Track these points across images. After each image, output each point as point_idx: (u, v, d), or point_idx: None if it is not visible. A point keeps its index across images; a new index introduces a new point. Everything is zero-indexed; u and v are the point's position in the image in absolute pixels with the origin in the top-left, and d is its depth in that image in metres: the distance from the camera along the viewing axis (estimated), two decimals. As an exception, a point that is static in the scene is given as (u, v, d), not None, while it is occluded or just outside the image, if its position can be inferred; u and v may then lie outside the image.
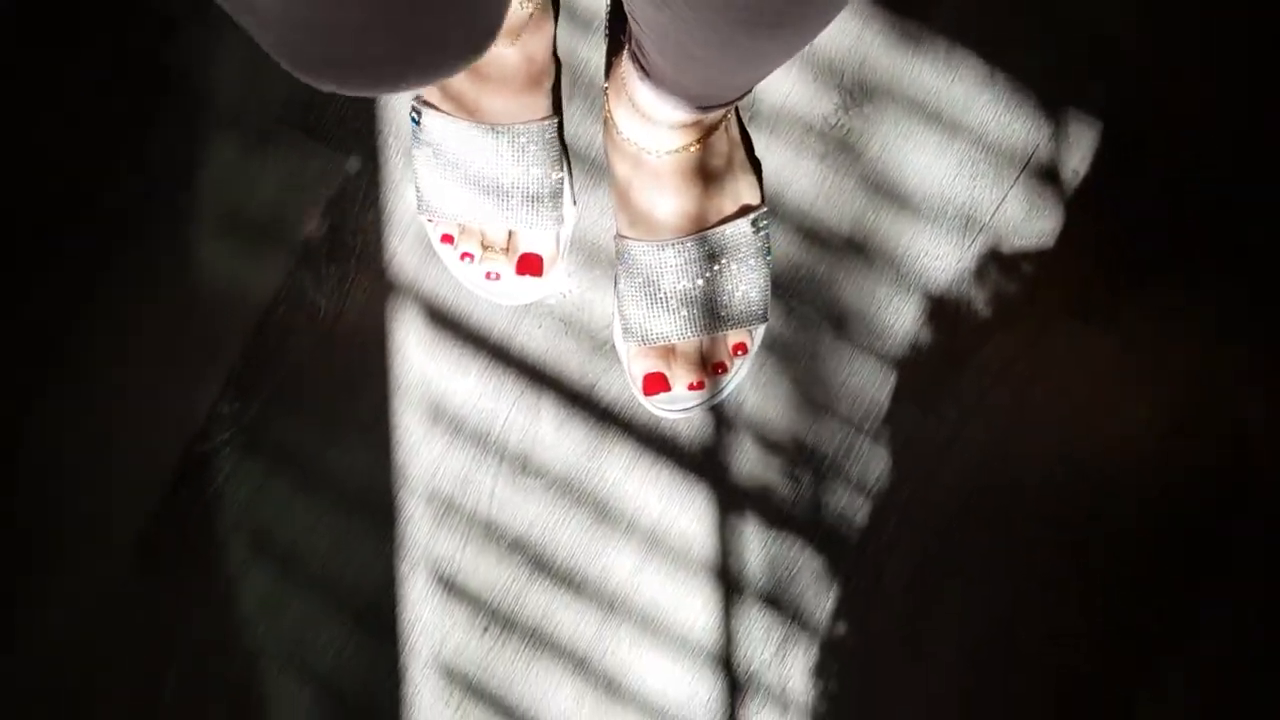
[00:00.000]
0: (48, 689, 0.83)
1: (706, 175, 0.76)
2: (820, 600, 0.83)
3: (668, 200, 0.76)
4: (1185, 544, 0.82)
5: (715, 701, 0.82)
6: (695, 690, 0.82)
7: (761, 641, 0.83)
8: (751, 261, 0.78)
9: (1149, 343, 0.83)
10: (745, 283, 0.78)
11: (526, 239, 0.80)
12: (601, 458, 0.83)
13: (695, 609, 0.83)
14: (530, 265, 0.79)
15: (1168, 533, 0.82)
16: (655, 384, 0.79)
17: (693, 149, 0.75)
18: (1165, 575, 0.82)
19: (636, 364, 0.80)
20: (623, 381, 0.83)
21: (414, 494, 0.84)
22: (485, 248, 0.79)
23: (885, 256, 0.83)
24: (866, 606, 0.82)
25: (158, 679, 0.83)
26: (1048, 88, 0.84)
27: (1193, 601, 0.81)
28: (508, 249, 0.80)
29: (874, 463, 0.83)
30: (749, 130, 0.83)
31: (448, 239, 0.80)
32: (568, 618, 0.82)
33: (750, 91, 0.71)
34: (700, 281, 0.77)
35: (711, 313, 0.78)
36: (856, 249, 0.83)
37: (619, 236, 0.79)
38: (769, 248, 0.80)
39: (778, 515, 0.83)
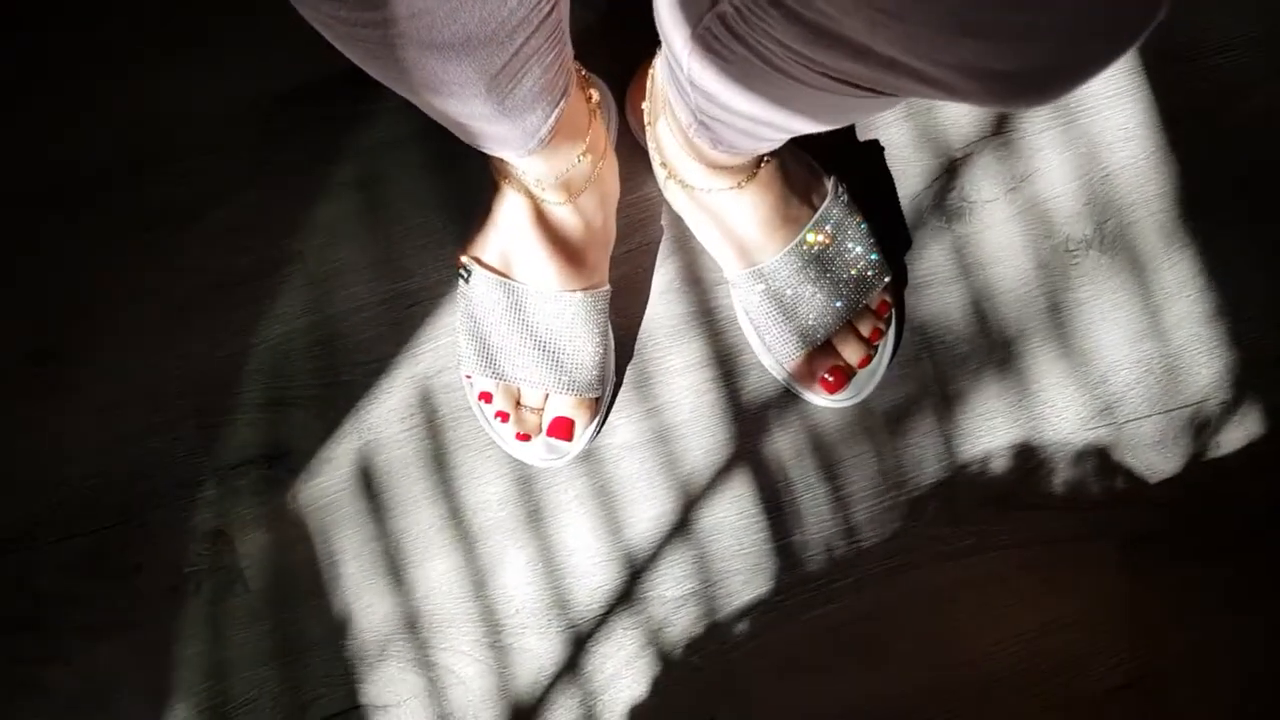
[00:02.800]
0: (124, 135, 0.85)
1: (776, 187, 0.77)
2: (743, 591, 0.84)
3: (756, 227, 0.77)
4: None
5: (601, 593, 0.84)
6: (593, 571, 0.84)
7: (673, 581, 0.84)
8: (851, 233, 0.79)
9: (1157, 615, 0.84)
10: (856, 254, 0.79)
11: (561, 403, 0.80)
12: (674, 343, 0.84)
13: (645, 514, 0.84)
14: (561, 429, 0.80)
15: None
16: (839, 378, 0.80)
17: (755, 173, 0.75)
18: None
19: (806, 368, 0.81)
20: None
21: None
22: (519, 406, 0.80)
23: (1019, 381, 0.84)
24: (775, 626, 0.83)
25: (219, 200, 0.84)
26: (1254, 364, 0.84)
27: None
28: (543, 409, 0.80)
29: (876, 525, 0.84)
30: None
31: (485, 397, 0.80)
32: (549, 435, 0.83)
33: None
34: (823, 275, 0.78)
35: (843, 295, 0.79)
36: (1002, 357, 0.84)
37: (731, 277, 0.80)
38: (857, 212, 0.80)
39: (769, 503, 0.84)
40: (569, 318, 0.78)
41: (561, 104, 0.63)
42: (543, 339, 0.78)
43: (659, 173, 0.80)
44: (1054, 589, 0.84)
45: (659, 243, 0.85)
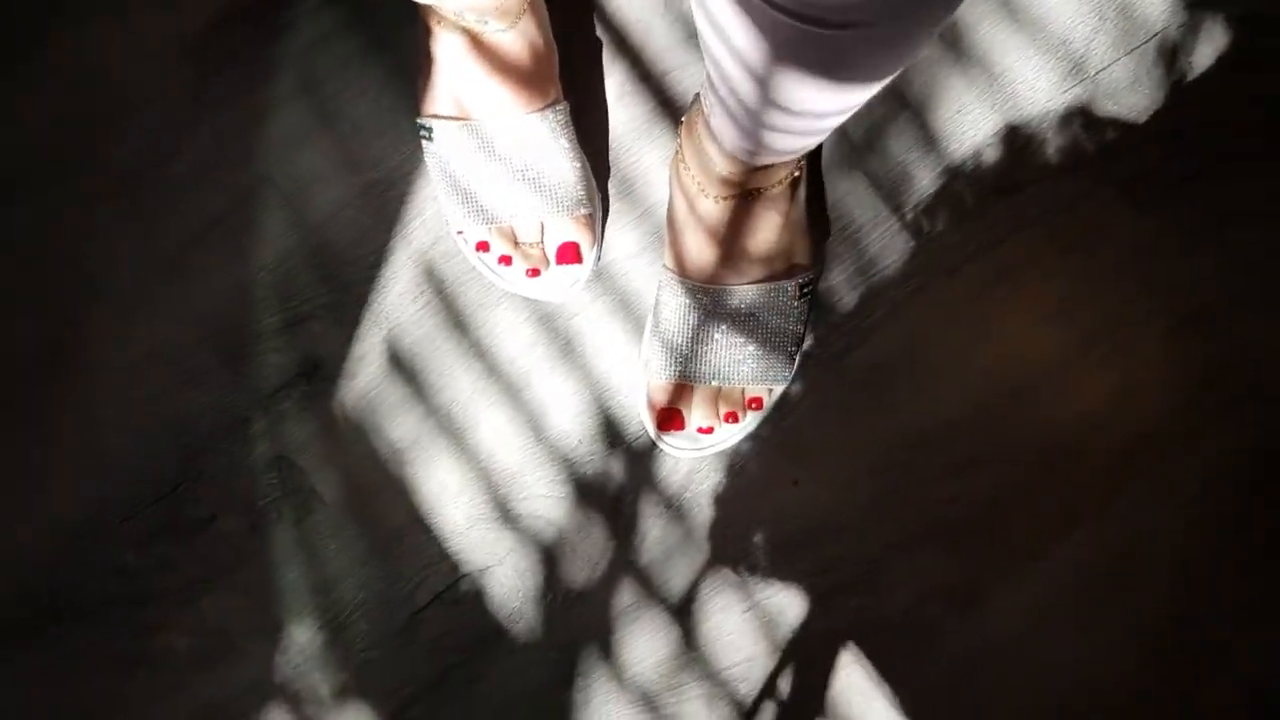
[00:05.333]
0: (67, 114, 0.86)
1: (759, 228, 0.77)
2: (786, 352, 0.84)
3: (716, 246, 0.77)
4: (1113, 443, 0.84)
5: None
6: (638, 382, 0.85)
7: (718, 365, 0.85)
8: (788, 323, 0.79)
9: (1175, 246, 0.84)
10: (777, 342, 0.79)
11: (559, 229, 0.80)
12: (645, 142, 0.85)
13: (672, 311, 0.85)
14: (570, 253, 0.80)
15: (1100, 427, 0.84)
16: (669, 421, 0.80)
17: (752, 198, 0.75)
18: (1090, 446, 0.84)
19: (654, 395, 0.81)
20: (689, 84, 0.84)
21: (465, 101, 0.86)
22: (518, 246, 0.80)
23: (985, 68, 0.84)
24: (825, 376, 0.84)
25: (175, 150, 0.86)
26: (1202, -20, 0.84)
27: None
28: (541, 243, 0.80)
29: (891, 251, 0.84)
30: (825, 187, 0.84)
31: (482, 246, 0.80)
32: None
33: (800, 156, 0.73)
34: (731, 332, 0.78)
35: (738, 365, 0.79)
36: (962, 50, 0.84)
37: (663, 267, 0.80)
38: (807, 311, 0.80)
39: (782, 261, 0.84)
40: (538, 139, 0.79)
41: None
42: (519, 168, 0.79)
43: (673, 162, 0.79)
44: (1079, 254, 0.84)
45: (600, 51, 0.85)
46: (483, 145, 0.79)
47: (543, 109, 0.79)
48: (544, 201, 0.79)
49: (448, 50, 0.77)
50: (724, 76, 0.56)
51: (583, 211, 0.81)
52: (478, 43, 0.77)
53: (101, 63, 0.86)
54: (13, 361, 0.86)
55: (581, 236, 0.81)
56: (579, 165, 0.81)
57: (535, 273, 0.81)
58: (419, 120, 0.80)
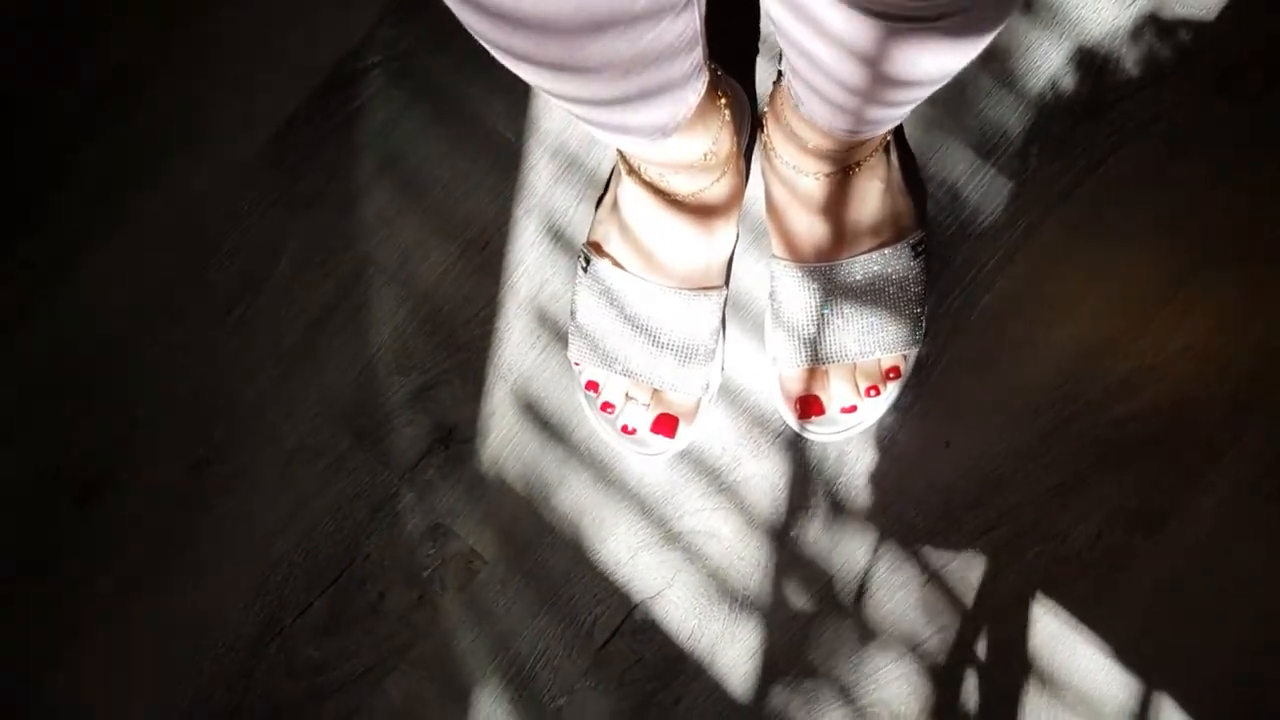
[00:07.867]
0: (169, 245, 0.89)
1: (862, 199, 0.76)
2: (909, 319, 0.84)
3: (822, 224, 0.77)
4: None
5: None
6: (776, 380, 0.84)
7: (844, 346, 0.84)
8: (909, 286, 0.78)
9: (1289, 131, 0.83)
10: (901, 307, 0.78)
11: (670, 398, 0.80)
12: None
13: (786, 303, 0.84)
14: (665, 426, 0.79)
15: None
16: (809, 408, 0.80)
17: (850, 172, 0.75)
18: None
19: (789, 386, 0.80)
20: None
21: (541, 144, 0.87)
22: (628, 399, 0.80)
23: (1044, 1, 0.84)
24: (956, 332, 0.84)
25: (275, 253, 0.88)
26: None
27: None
28: (650, 404, 0.80)
29: (993, 196, 0.84)
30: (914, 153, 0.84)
31: (592, 386, 0.80)
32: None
33: (892, 126, 0.69)
34: (855, 305, 0.77)
35: (868, 336, 0.78)
36: (1017, -10, 0.84)
37: (773, 258, 0.80)
38: (925, 272, 0.79)
39: (885, 231, 0.84)
40: (687, 318, 0.78)
41: (692, 97, 0.61)
42: (657, 333, 0.78)
43: (763, 153, 0.79)
44: (1183, 160, 0.83)
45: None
46: (631, 301, 0.78)
47: (705, 290, 0.79)
48: (668, 374, 0.78)
49: (631, 201, 0.76)
50: (818, 65, 0.56)
51: (698, 394, 0.80)
52: (662, 205, 0.75)
53: (188, 195, 0.89)
54: (164, 497, 0.88)
55: (684, 414, 0.80)
56: (714, 348, 0.80)
57: (630, 431, 0.80)
58: (583, 246, 0.81)
